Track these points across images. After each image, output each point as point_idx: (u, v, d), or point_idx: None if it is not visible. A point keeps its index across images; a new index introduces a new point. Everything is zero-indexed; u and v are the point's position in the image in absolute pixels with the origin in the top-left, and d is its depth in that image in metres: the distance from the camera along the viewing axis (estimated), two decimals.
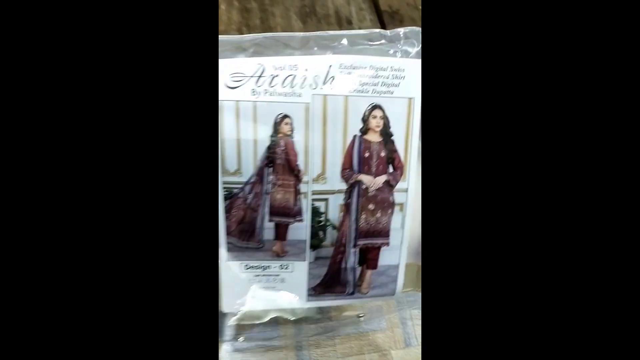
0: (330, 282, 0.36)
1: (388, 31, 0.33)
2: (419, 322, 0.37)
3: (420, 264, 0.37)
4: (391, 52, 0.33)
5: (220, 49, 0.30)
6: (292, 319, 0.37)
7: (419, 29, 0.33)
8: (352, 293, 0.36)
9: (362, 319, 0.38)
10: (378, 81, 0.31)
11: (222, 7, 0.44)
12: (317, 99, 0.31)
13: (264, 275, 0.36)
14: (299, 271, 0.35)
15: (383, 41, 0.33)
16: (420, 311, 0.38)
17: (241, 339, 0.38)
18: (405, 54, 0.33)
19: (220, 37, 0.30)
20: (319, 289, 0.36)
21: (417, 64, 0.32)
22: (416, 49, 0.33)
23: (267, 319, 0.38)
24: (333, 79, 0.31)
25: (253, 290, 0.36)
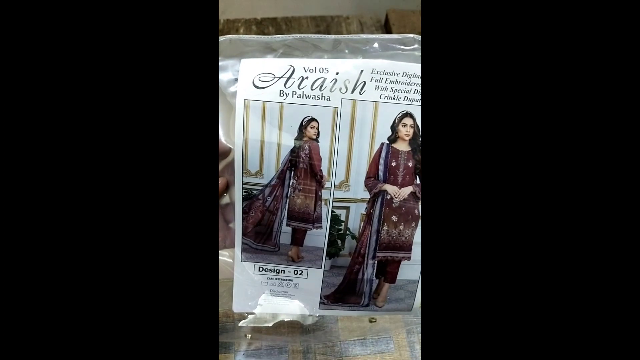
0: (344, 292, 0.34)
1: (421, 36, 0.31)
2: None
3: None
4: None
5: (248, 48, 0.29)
6: (301, 326, 0.37)
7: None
8: (367, 305, 0.35)
9: (373, 323, 0.37)
10: (410, 88, 0.30)
11: None
12: (346, 103, 0.30)
13: (277, 278, 0.35)
14: (314, 278, 0.34)
15: (416, 45, 0.32)
16: None
17: (249, 336, 0.37)
18: None
19: (249, 36, 0.29)
20: (332, 297, 0.35)
21: None
22: None
23: (276, 322, 0.37)
24: (364, 84, 0.29)
25: (265, 293, 0.35)
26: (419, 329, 0.37)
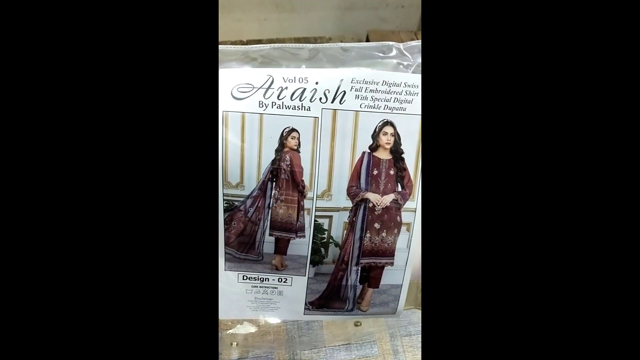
0: (328, 298, 0.35)
1: (401, 44, 0.31)
2: (411, 349, 0.37)
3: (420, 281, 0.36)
4: (403, 65, 0.31)
5: (226, 58, 0.28)
6: (287, 333, 0.37)
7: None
8: (351, 310, 0.35)
9: (358, 326, 0.38)
10: (391, 97, 0.30)
11: None
12: (326, 113, 0.29)
13: (261, 286, 0.35)
14: (298, 285, 0.34)
15: (394, 53, 0.31)
16: (411, 339, 0.37)
17: (234, 344, 0.38)
18: (419, 68, 0.31)
19: (227, 46, 0.28)
20: (317, 303, 0.35)
21: None
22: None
23: (262, 330, 0.38)
24: (344, 94, 0.29)
25: (249, 301, 0.35)
26: (402, 332, 0.37)
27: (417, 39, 0.32)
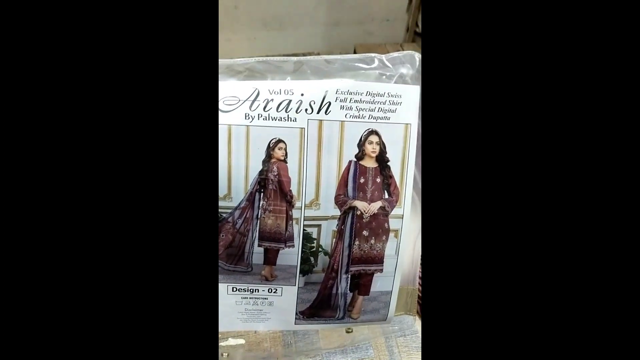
0: (319, 307, 0.35)
1: (384, 56, 0.32)
2: (406, 349, 0.37)
3: (412, 287, 0.36)
4: (385, 76, 0.32)
5: None
6: (283, 340, 0.37)
7: (414, 52, 0.32)
8: (342, 318, 0.35)
9: (350, 332, 0.38)
10: (375, 107, 0.31)
11: None
12: (312, 124, 0.30)
13: (251, 297, 0.35)
14: (288, 295, 0.34)
15: (376, 64, 0.32)
16: (405, 339, 0.37)
17: (225, 354, 0.37)
18: (401, 79, 0.32)
19: None
20: (308, 313, 0.35)
21: (415, 90, 0.31)
22: (411, 72, 0.32)
23: (259, 337, 0.37)
24: (330, 104, 0.30)
25: (239, 312, 0.35)
26: (397, 334, 0.37)
27: (403, 50, 0.33)
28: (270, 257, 0.33)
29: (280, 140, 0.30)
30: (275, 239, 0.33)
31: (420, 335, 0.37)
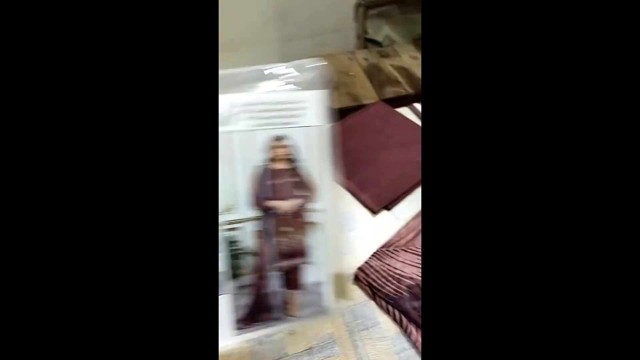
0: (256, 310, 0.35)
1: (290, 63, 0.34)
2: (370, 341, 0.37)
3: (344, 272, 0.37)
4: (294, 84, 0.35)
5: None
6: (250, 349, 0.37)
7: (318, 59, 0.35)
8: (282, 318, 0.36)
9: (293, 335, 0.38)
10: (282, 114, 0.33)
11: None
12: (223, 135, 0.32)
13: None
14: (222, 304, 0.35)
15: (284, 72, 0.35)
16: (368, 331, 0.38)
17: None
18: (309, 85, 0.35)
19: None
20: (246, 320, 0.35)
21: (318, 94, 0.34)
22: (316, 77, 0.35)
23: (222, 351, 0.37)
24: (238, 116, 0.32)
25: None
26: (360, 327, 0.38)
27: (353, 58, 0.36)
28: None
29: None
30: None
31: (382, 326, 0.39)
